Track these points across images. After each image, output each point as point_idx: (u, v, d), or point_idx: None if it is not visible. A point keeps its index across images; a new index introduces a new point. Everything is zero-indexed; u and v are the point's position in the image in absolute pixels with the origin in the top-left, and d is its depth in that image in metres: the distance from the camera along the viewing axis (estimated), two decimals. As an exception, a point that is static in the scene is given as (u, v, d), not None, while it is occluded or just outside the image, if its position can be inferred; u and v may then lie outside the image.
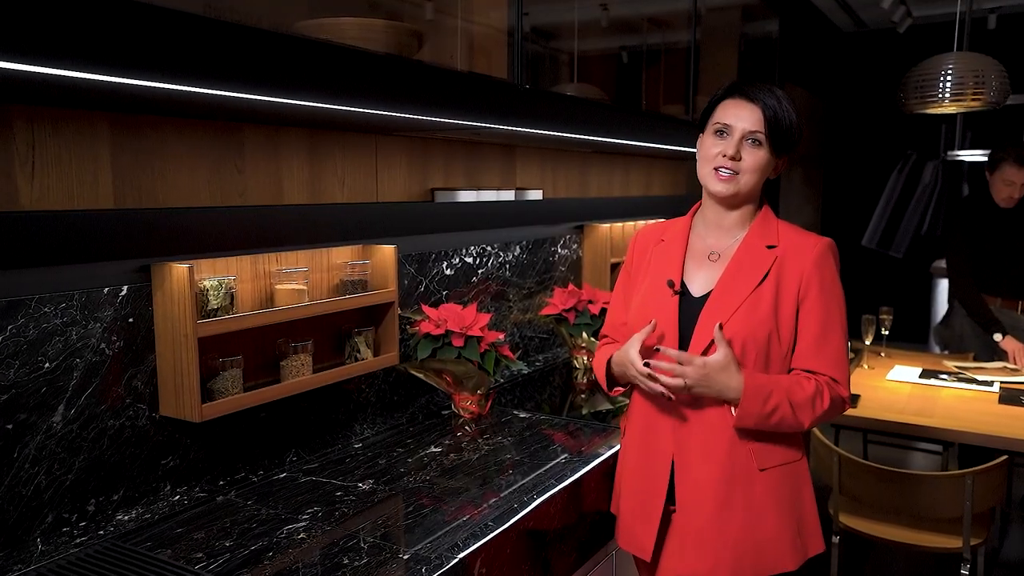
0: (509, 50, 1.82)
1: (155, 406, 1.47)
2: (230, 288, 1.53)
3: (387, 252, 1.89)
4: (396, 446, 1.84)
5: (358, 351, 1.86)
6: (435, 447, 1.83)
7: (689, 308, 1.46)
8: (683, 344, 1.44)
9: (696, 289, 1.48)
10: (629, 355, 1.42)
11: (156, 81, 1.06)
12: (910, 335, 5.44)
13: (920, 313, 5.78)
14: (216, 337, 1.51)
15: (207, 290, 1.49)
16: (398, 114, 1.51)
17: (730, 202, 1.47)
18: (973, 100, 2.77)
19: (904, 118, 6.33)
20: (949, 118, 6.08)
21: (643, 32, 2.58)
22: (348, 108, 1.41)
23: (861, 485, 2.21)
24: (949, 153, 5.71)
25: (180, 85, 1.10)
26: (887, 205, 6.50)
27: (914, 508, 2.15)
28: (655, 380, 1.38)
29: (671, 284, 1.48)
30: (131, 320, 1.42)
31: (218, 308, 1.50)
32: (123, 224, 1.37)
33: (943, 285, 5.54)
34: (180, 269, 1.41)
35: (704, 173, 1.47)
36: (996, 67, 2.77)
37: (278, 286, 1.67)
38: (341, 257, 1.86)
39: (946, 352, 5.03)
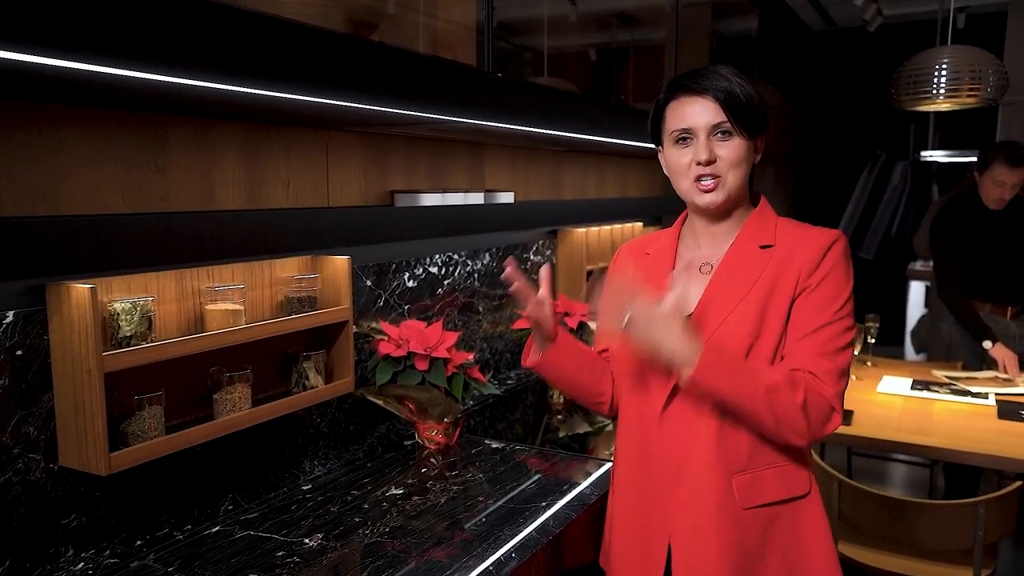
0: (479, 47, 1.60)
1: (53, 455, 1.21)
2: (147, 311, 1.28)
3: (339, 264, 1.65)
4: (351, 487, 1.60)
5: (307, 378, 1.61)
6: (396, 487, 1.60)
7: None
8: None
9: (687, 307, 1.27)
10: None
11: (49, 57, 0.82)
12: (884, 338, 5.34)
13: (894, 316, 5.69)
14: (131, 370, 1.26)
15: (117, 314, 1.24)
16: (351, 104, 1.27)
17: (722, 209, 1.26)
18: (969, 96, 2.62)
19: (873, 118, 6.29)
20: (920, 118, 6.03)
21: (612, 29, 2.39)
22: (292, 96, 1.17)
23: (863, 513, 2.04)
24: (922, 153, 5.64)
25: (79, 63, 0.86)
26: (857, 206, 6.43)
27: (920, 538, 1.98)
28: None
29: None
30: (19, 353, 1.16)
31: (132, 335, 1.25)
32: (6, 236, 1.12)
33: (915, 287, 5.47)
34: (81, 290, 1.16)
35: (684, 188, 1.26)
36: (993, 62, 2.62)
37: (209, 306, 1.43)
38: (286, 271, 1.62)
39: (923, 355, 4.94)
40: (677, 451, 1.23)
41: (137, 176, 1.32)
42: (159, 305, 1.36)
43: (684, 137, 1.22)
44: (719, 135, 1.20)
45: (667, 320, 1.11)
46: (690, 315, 1.23)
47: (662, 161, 1.30)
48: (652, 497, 1.26)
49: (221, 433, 1.39)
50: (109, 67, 0.90)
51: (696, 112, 1.20)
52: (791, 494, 1.22)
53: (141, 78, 0.96)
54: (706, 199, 1.23)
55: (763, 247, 1.24)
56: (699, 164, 1.20)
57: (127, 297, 1.27)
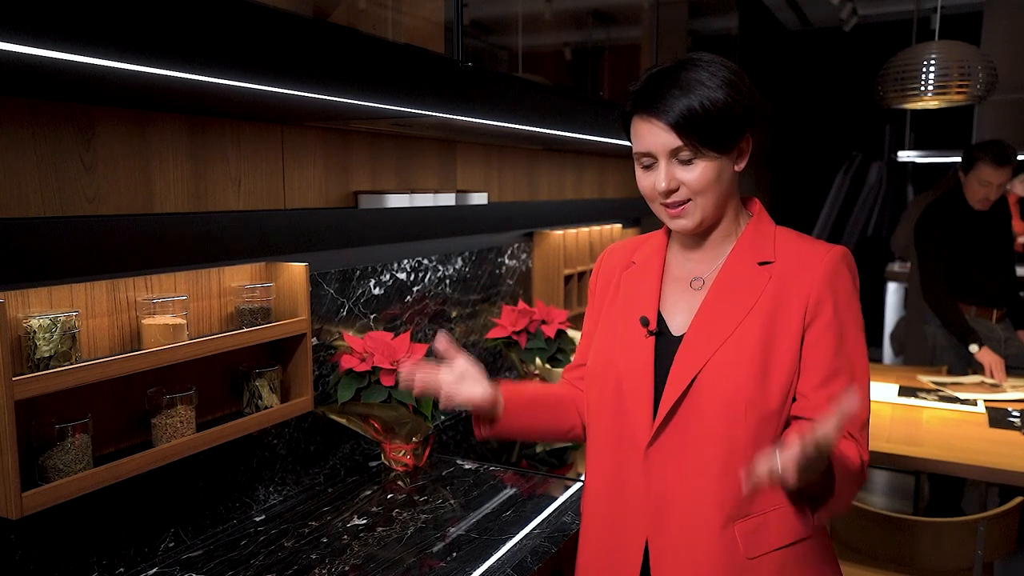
0: (448, 40, 1.46)
1: (-42, 496, 1.06)
2: (70, 328, 1.12)
3: (296, 271, 1.50)
4: (309, 517, 1.46)
5: (260, 397, 1.47)
6: (359, 517, 1.46)
7: (667, 351, 1.12)
8: (657, 396, 1.10)
9: (677, 326, 1.14)
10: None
11: None
12: (862, 341, 5.31)
13: (872, 319, 5.66)
14: (52, 395, 1.11)
15: (34, 332, 1.09)
16: (308, 93, 1.13)
17: (699, 231, 1.14)
18: (958, 93, 2.54)
19: (849, 118, 6.26)
20: (895, 119, 6.01)
21: (588, 27, 2.29)
22: (240, 84, 1.02)
23: (857, 532, 1.94)
24: (898, 154, 5.61)
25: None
26: (833, 207, 6.40)
27: (917, 557, 1.88)
28: None
29: (645, 322, 1.14)
30: (-86, 379, 1.01)
31: (51, 356, 1.10)
32: None
33: (893, 289, 5.44)
34: (-13, 306, 1.01)
35: (656, 211, 1.14)
36: (982, 58, 2.55)
37: (146, 320, 1.28)
38: (236, 279, 1.47)
39: (901, 358, 4.89)
40: (663, 490, 1.09)
41: (59, 174, 1.17)
42: (88, 320, 1.21)
43: (646, 163, 1.10)
44: (680, 160, 1.07)
45: (818, 462, 0.96)
46: (683, 335, 1.11)
47: None
48: (625, 538, 1.13)
49: (159, 463, 1.24)
50: (15, 44, 0.75)
51: (652, 136, 1.07)
52: (798, 535, 1.09)
53: (59, 59, 0.82)
54: (678, 224, 1.11)
55: (762, 263, 1.12)
56: (661, 193, 1.09)
57: (46, 312, 1.12)
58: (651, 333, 1.13)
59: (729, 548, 1.07)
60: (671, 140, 1.05)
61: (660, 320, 1.15)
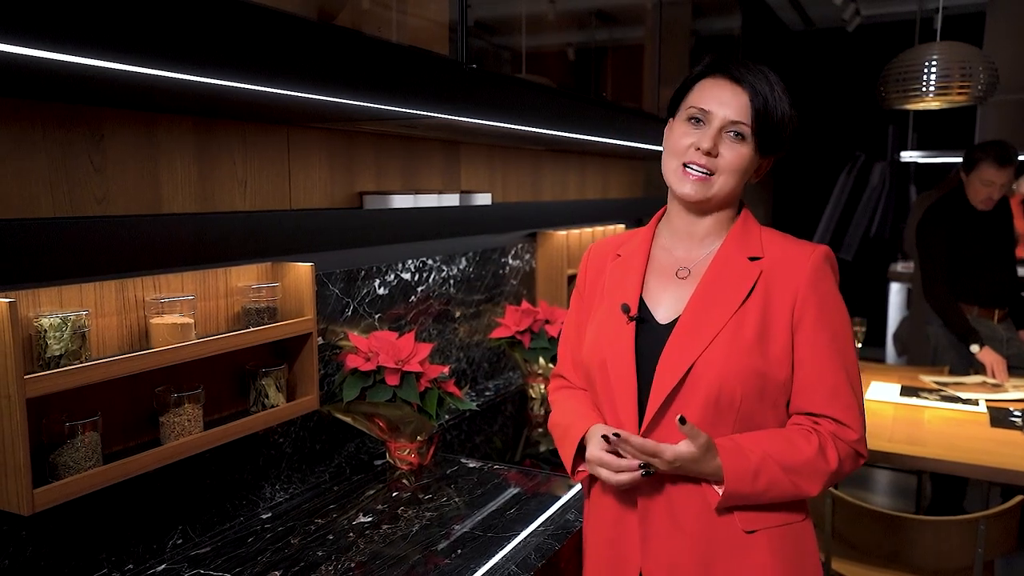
0: (452, 41, 1.48)
1: (-30, 492, 1.07)
2: (80, 327, 1.14)
3: (302, 272, 1.52)
4: (315, 515, 1.47)
5: (266, 396, 1.48)
6: (364, 515, 1.47)
7: (652, 339, 1.14)
8: (643, 385, 1.12)
9: (662, 314, 1.16)
10: (595, 455, 1.12)
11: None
12: (865, 341, 5.30)
13: (875, 318, 5.66)
14: (62, 393, 1.12)
15: (45, 331, 1.10)
16: (314, 95, 1.15)
17: (701, 207, 1.16)
18: (959, 94, 2.55)
19: (852, 119, 6.27)
20: (898, 119, 6.01)
21: (591, 27, 2.30)
22: (248, 86, 1.04)
23: (858, 529, 1.95)
24: (901, 154, 5.61)
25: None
26: (836, 207, 6.40)
27: (918, 556, 1.89)
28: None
29: (626, 309, 1.16)
30: (-72, 377, 1.02)
31: (62, 355, 1.11)
32: (-90, 244, 0.98)
33: (896, 289, 5.44)
34: (-1, 305, 1.02)
35: (670, 169, 1.16)
36: (983, 59, 2.55)
37: (154, 320, 1.29)
38: (243, 279, 1.48)
39: (905, 358, 4.90)
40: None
41: (69, 175, 1.18)
42: (97, 319, 1.22)
43: (697, 118, 1.13)
44: (732, 134, 1.12)
45: (701, 459, 1.06)
46: (674, 324, 1.13)
47: (665, 133, 1.20)
48: (625, 517, 1.15)
49: (168, 461, 1.25)
50: (26, 47, 0.77)
51: (724, 99, 1.11)
52: (795, 515, 1.12)
53: (69, 62, 0.83)
54: (688, 189, 1.13)
55: (751, 259, 1.15)
56: (697, 150, 1.11)
57: (56, 311, 1.13)
58: (632, 319, 1.15)
59: (726, 520, 1.10)
60: (740, 113, 1.11)
61: (644, 309, 1.17)
